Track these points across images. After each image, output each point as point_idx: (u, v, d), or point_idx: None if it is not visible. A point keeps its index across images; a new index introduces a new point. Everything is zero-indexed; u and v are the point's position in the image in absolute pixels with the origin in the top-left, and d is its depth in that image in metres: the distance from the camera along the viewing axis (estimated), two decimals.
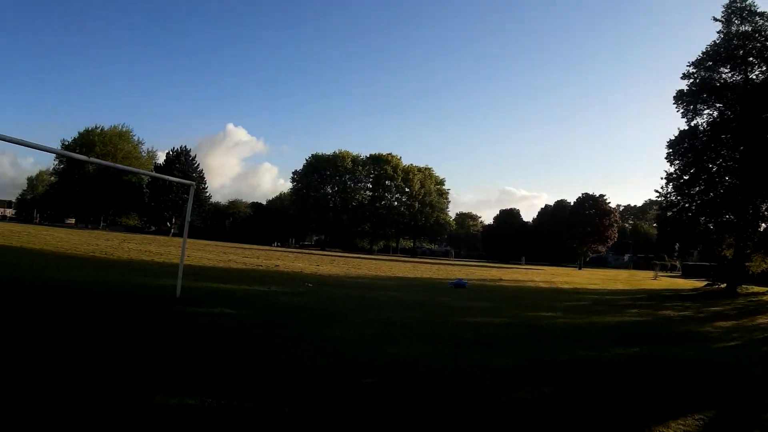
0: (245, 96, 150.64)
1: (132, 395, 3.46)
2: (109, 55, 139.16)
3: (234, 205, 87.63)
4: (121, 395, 3.43)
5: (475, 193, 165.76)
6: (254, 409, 3.44)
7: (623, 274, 43.71)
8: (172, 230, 66.64)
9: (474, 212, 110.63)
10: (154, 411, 3.23)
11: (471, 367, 5.08)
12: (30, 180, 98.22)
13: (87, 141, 73.53)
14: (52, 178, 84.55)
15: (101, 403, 3.24)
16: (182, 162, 69.14)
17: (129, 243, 28.67)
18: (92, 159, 8.13)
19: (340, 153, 78.78)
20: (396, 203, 79.30)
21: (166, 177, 11.44)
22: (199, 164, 72.61)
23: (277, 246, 65.73)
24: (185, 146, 72.27)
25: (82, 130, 77.85)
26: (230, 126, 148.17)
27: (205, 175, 73.35)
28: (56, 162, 78.97)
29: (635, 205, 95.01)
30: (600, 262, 68.19)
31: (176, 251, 22.92)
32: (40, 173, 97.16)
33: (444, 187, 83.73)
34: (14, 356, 4.08)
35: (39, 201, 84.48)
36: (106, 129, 77.99)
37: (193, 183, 9.31)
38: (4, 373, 3.63)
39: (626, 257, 72.40)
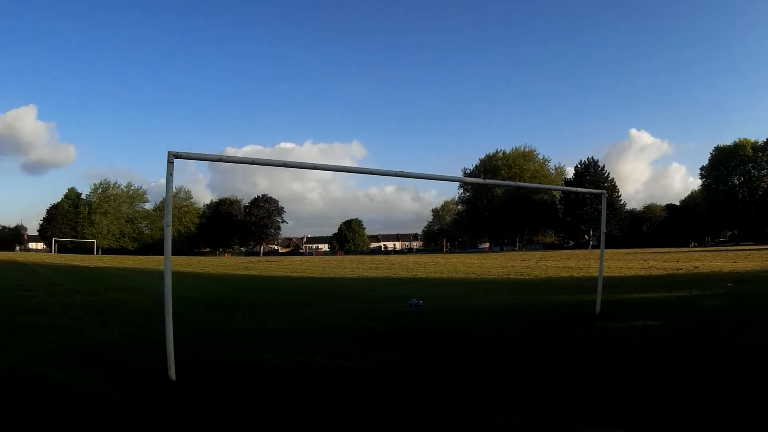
0: (645, 98, 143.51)
1: (533, 431, 3.10)
2: (520, 81, 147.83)
3: (649, 209, 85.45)
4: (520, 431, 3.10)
5: None
6: None
7: None
8: (591, 242, 66.75)
9: None
10: None
11: None
12: (435, 211, 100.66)
13: (490, 166, 75.99)
14: (459, 207, 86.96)
15: None
16: (592, 173, 69.65)
17: (547, 261, 29.03)
18: (488, 180, 8.44)
19: (741, 142, 73.16)
20: None
21: (574, 189, 12.67)
22: (609, 173, 72.31)
23: (694, 246, 64.23)
24: (593, 157, 72.30)
25: (483, 156, 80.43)
26: (633, 131, 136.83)
27: (616, 184, 73.15)
28: (461, 191, 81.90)
29: None
30: None
31: (595, 264, 21.86)
32: (445, 203, 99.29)
33: None
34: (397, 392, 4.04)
35: (446, 230, 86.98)
36: (508, 152, 79.28)
37: (604, 192, 8.99)
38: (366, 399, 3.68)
39: None
